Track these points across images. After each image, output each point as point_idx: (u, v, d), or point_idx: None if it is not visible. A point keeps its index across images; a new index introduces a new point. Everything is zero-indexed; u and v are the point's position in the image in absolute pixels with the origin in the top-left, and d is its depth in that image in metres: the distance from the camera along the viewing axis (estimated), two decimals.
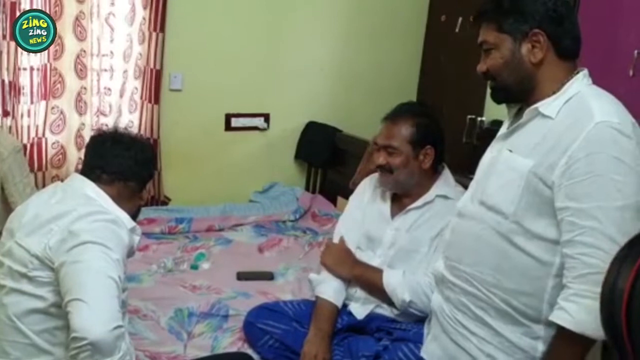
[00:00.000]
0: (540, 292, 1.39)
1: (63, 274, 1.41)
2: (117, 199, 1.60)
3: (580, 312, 1.28)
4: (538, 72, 1.43)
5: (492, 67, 1.47)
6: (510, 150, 1.44)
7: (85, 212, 1.49)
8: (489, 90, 1.55)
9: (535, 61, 1.42)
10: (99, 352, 1.32)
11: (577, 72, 1.43)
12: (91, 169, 1.63)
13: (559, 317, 1.31)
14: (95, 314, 1.34)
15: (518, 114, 1.51)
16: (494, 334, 1.45)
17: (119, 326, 1.37)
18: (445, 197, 1.98)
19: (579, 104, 1.37)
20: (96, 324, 1.33)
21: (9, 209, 2.29)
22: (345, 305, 2.04)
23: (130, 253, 1.61)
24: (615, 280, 0.94)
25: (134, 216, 1.67)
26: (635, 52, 2.45)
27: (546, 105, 1.40)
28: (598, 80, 2.80)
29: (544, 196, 1.36)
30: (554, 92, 1.41)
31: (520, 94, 1.46)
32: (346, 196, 2.29)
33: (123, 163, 1.62)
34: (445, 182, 2.03)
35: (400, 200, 2.05)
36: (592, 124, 1.30)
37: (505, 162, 1.44)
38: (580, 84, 1.41)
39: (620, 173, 1.28)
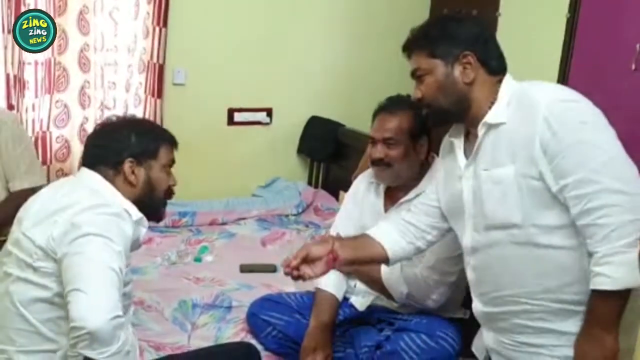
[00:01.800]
0: (584, 275, 1.38)
1: (65, 265, 1.42)
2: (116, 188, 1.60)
3: (616, 270, 1.30)
4: (472, 91, 1.49)
5: (427, 93, 1.52)
6: (486, 169, 1.47)
7: (88, 204, 1.49)
8: None
9: (468, 81, 1.48)
10: (97, 342, 1.32)
11: (501, 79, 1.50)
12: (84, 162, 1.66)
13: (599, 283, 1.32)
14: (94, 304, 1.34)
15: (466, 139, 1.56)
16: (560, 335, 1.45)
17: (118, 316, 1.36)
18: None
19: (520, 99, 1.43)
20: (94, 314, 1.32)
21: None
22: (346, 299, 2.05)
23: (135, 245, 1.61)
24: None
25: (144, 202, 1.64)
26: (638, 46, 2.45)
27: (493, 115, 1.45)
28: (600, 75, 2.82)
29: (540, 189, 1.38)
30: (492, 103, 1.47)
31: (458, 114, 1.52)
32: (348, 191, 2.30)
33: (96, 153, 1.62)
34: (437, 172, 2.03)
35: (393, 194, 2.04)
36: (543, 107, 1.36)
37: (488, 180, 1.46)
38: (509, 85, 1.48)
39: (590, 132, 1.34)
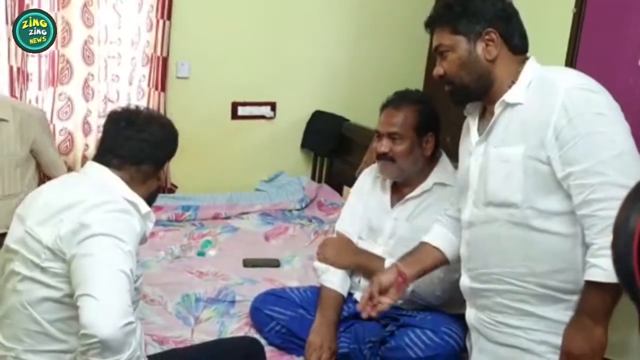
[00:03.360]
0: (574, 264, 1.39)
1: (74, 266, 1.38)
2: (130, 183, 1.56)
3: (611, 263, 1.29)
4: (494, 68, 1.49)
5: (450, 69, 1.51)
6: (496, 147, 1.47)
7: (96, 202, 1.45)
8: None
9: (491, 58, 1.48)
10: (108, 350, 1.28)
11: (526, 60, 1.50)
12: (104, 152, 1.59)
13: (593, 275, 1.32)
14: (105, 311, 1.30)
15: (482, 117, 1.56)
16: (539, 320, 1.46)
17: (130, 322, 1.32)
18: (443, 184, 1.98)
19: (541, 82, 1.43)
20: (106, 322, 1.29)
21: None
22: (350, 294, 2.05)
23: (142, 240, 1.58)
24: (628, 218, 0.88)
25: (149, 199, 1.63)
26: None
27: (511, 95, 1.46)
28: (606, 70, 2.80)
29: (546, 174, 1.39)
30: (513, 82, 1.47)
31: (480, 92, 1.52)
32: (352, 185, 2.29)
33: (134, 146, 1.57)
34: (443, 169, 2.02)
35: (399, 189, 2.04)
36: (562, 93, 1.36)
37: (497, 158, 1.46)
38: (533, 68, 1.48)
39: (605, 125, 1.34)
